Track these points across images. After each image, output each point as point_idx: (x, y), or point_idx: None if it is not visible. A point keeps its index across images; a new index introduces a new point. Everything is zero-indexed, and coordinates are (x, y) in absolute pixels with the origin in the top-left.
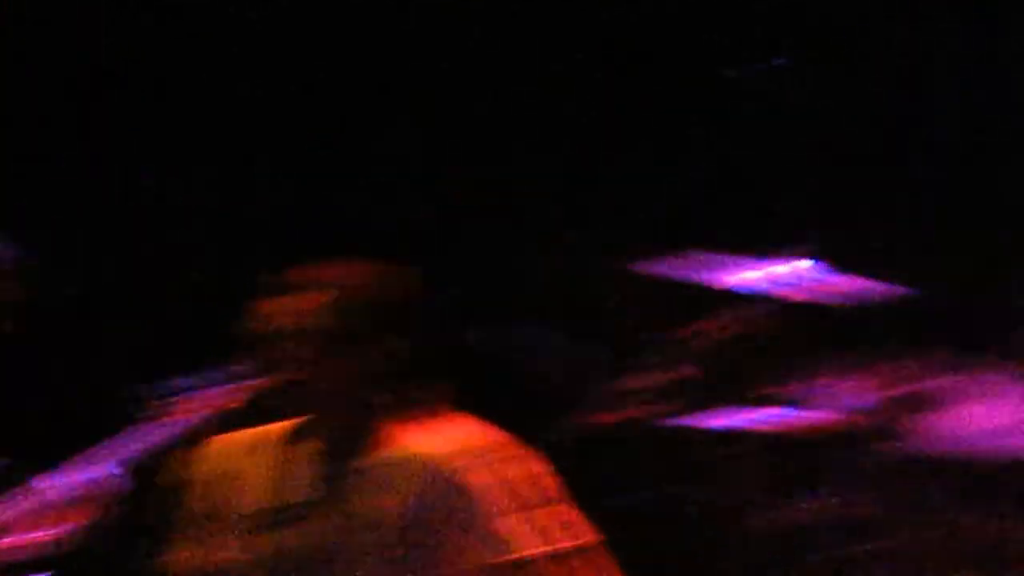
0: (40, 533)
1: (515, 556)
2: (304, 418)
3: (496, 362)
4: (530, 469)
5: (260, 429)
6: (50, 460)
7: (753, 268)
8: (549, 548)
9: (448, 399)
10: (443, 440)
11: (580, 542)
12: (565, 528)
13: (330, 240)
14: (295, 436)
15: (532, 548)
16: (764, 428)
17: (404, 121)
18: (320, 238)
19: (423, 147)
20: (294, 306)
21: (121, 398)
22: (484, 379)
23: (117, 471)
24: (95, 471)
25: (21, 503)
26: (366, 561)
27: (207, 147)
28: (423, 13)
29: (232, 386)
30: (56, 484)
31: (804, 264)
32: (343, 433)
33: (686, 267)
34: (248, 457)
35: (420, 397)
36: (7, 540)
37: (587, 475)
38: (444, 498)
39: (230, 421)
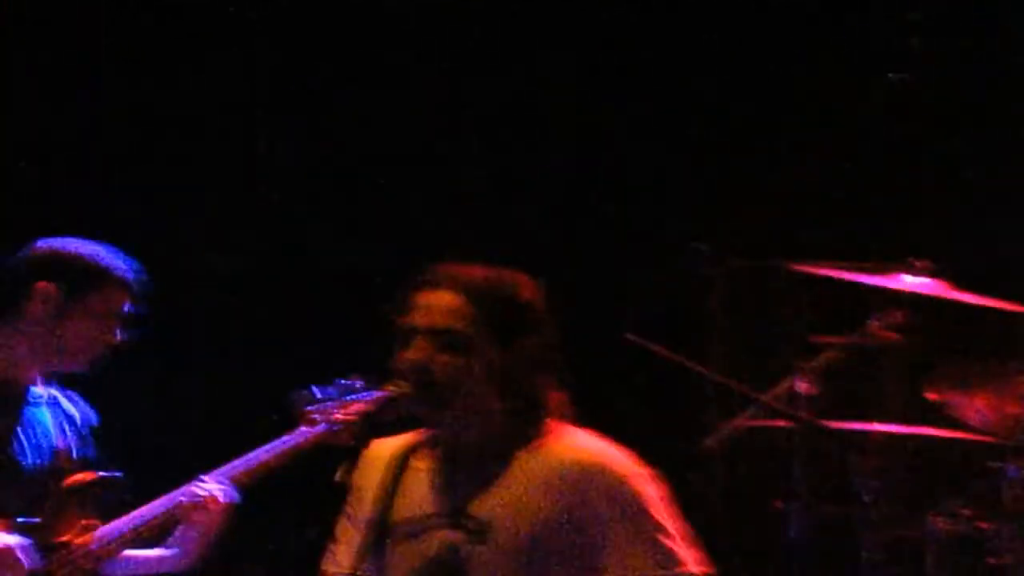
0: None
1: (676, 572)
2: (448, 424)
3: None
4: (662, 491)
5: (410, 436)
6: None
7: (892, 278)
8: (704, 570)
9: (572, 406)
10: (589, 447)
11: (711, 569)
12: (696, 554)
13: (464, 246)
14: (439, 443)
15: (693, 567)
16: (895, 437)
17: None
18: (455, 244)
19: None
20: (437, 301)
21: (274, 405)
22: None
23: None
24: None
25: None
26: (520, 563)
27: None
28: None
29: (373, 391)
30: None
31: (938, 275)
32: (482, 438)
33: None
34: (401, 465)
35: (548, 404)
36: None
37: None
38: (608, 502)
39: (378, 426)
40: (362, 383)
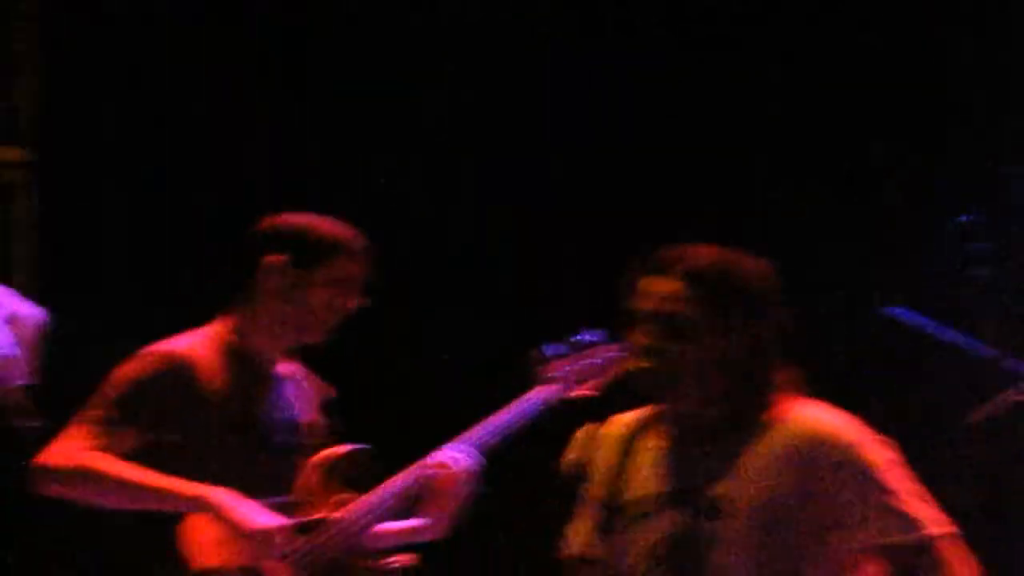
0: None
1: (918, 536)
2: (677, 402)
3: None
4: (895, 455)
5: (640, 413)
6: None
7: None
8: (945, 530)
9: (802, 384)
10: (818, 417)
11: (954, 528)
12: (936, 514)
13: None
14: (671, 421)
15: (932, 529)
16: None
17: None
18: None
19: None
20: (661, 287)
21: (507, 366)
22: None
23: (470, 453)
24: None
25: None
26: (757, 537)
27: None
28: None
29: (605, 357)
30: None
31: None
32: (712, 417)
33: None
34: (631, 443)
35: (777, 382)
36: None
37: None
38: (840, 471)
39: (607, 402)
40: (599, 335)
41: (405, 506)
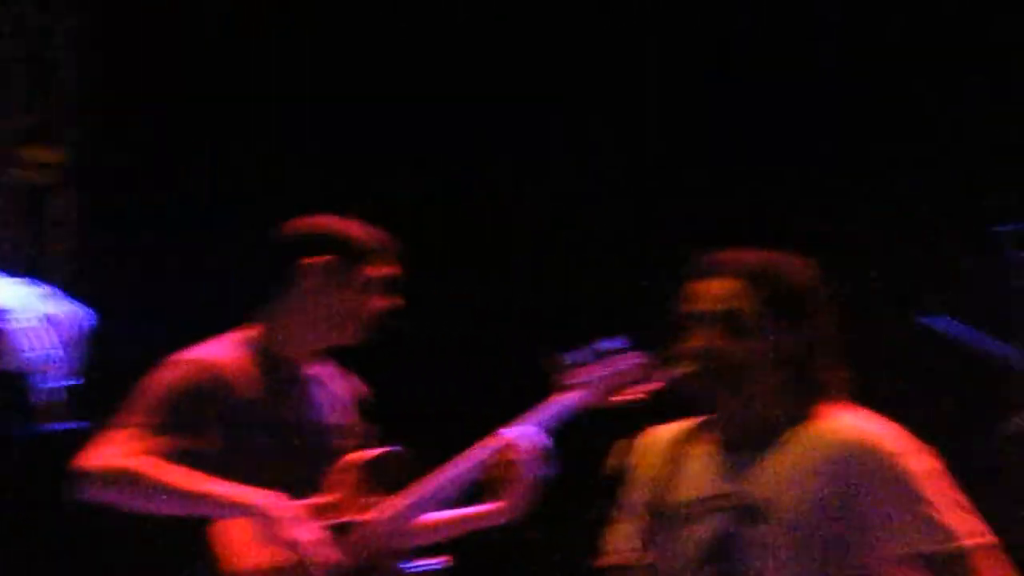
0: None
1: (953, 546)
2: (721, 406)
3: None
4: (936, 464)
5: (686, 422)
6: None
7: None
8: (983, 541)
9: (849, 387)
10: (860, 425)
11: (994, 539)
12: (975, 524)
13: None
14: (715, 427)
15: (967, 540)
16: None
17: None
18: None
19: None
20: (717, 288)
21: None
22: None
23: (537, 432)
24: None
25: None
26: (796, 542)
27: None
28: None
29: (643, 359)
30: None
31: None
32: (761, 420)
33: None
34: (678, 449)
35: (826, 384)
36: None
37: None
38: (879, 480)
39: (653, 406)
40: (621, 342)
41: (467, 491)
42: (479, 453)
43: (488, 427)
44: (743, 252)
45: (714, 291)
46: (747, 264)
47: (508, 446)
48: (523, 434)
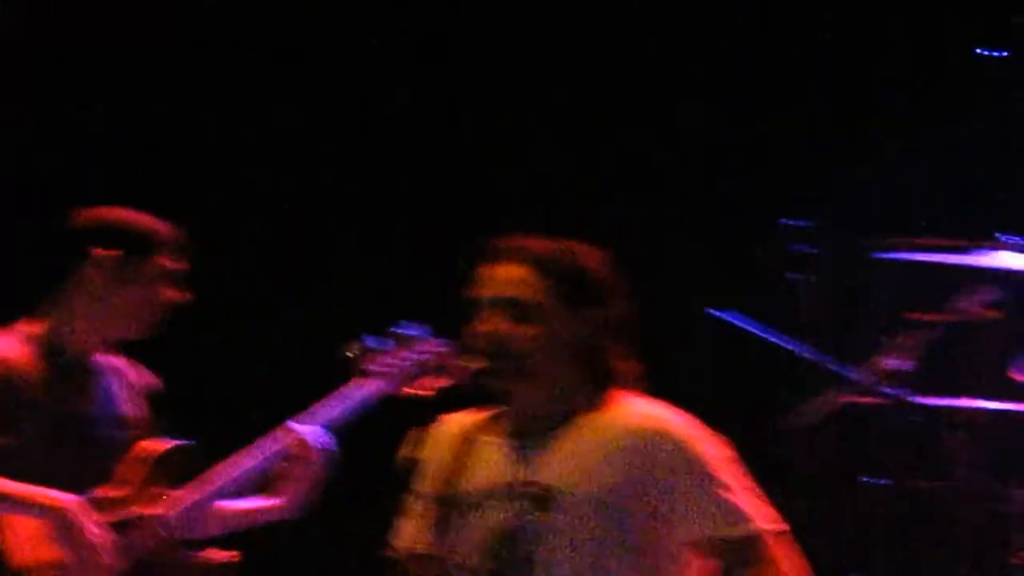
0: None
1: (745, 529)
2: (511, 394)
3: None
4: (728, 451)
5: (478, 412)
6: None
7: (983, 254)
8: (773, 527)
9: (639, 376)
10: (653, 412)
11: (784, 526)
12: (766, 510)
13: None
14: (507, 415)
15: (759, 524)
16: (988, 414)
17: None
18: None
19: None
20: (506, 273)
21: (336, 356)
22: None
23: (324, 432)
24: (304, 431)
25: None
26: (588, 529)
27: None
28: None
29: (431, 352)
30: (262, 451)
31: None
32: (552, 408)
33: (925, 252)
34: (469, 439)
35: (616, 372)
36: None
37: (825, 456)
38: (672, 466)
39: (445, 398)
40: (421, 330)
41: (255, 485)
42: (268, 445)
43: (282, 415)
44: (533, 239)
45: (501, 276)
46: (536, 250)
47: (295, 442)
48: (310, 431)
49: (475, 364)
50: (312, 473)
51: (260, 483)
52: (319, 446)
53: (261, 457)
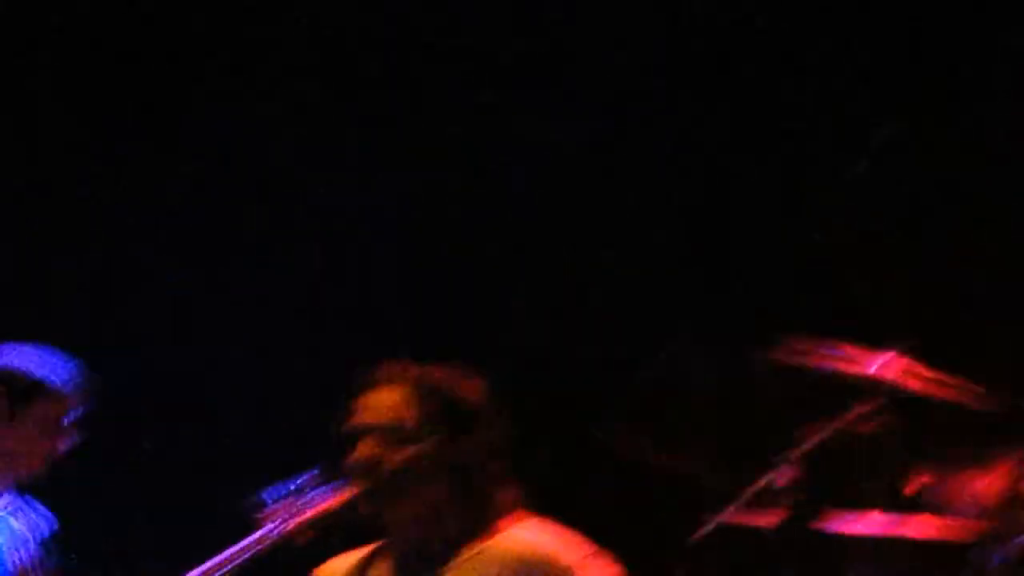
0: None
1: None
2: (392, 523)
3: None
4: (612, 570)
5: (365, 548)
6: None
7: (867, 361)
8: None
9: (524, 499)
10: (535, 540)
11: None
12: None
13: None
14: (391, 547)
15: None
16: (889, 532)
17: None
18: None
19: None
20: (385, 399)
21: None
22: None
23: None
24: None
25: None
26: None
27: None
28: None
29: (325, 491)
30: None
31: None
32: (433, 537)
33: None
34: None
35: (496, 497)
36: None
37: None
38: None
39: (329, 533)
40: (315, 475)
41: None
42: None
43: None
44: (408, 365)
45: (378, 403)
46: (411, 377)
47: None
48: None
49: (353, 491)
50: None
51: None
52: None
53: None
